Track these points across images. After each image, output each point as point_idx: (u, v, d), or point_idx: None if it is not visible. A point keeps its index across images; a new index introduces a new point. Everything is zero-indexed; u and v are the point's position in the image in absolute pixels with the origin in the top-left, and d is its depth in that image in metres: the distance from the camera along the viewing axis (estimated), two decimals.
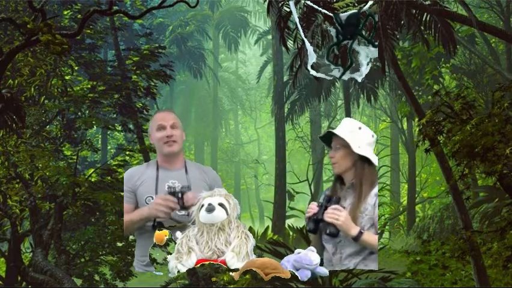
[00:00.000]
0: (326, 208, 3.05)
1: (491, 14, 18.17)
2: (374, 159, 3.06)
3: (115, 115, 12.46)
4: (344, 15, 3.49)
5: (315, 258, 2.97)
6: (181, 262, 2.98)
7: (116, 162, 11.71)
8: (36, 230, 9.20)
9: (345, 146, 3.06)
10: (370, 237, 3.02)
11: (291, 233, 20.18)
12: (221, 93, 39.83)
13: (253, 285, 8.31)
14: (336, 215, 3.00)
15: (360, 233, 3.00)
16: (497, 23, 17.07)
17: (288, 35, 8.59)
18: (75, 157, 10.82)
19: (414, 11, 8.06)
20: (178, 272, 3.00)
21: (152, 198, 3.21)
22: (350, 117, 19.79)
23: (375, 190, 3.08)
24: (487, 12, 18.32)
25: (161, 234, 3.13)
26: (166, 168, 3.30)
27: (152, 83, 11.65)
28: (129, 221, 3.25)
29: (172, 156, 3.30)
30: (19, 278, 9.81)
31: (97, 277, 11.09)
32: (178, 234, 3.09)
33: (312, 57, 3.51)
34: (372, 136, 3.10)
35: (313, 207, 3.08)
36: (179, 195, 3.14)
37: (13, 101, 6.78)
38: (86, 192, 9.70)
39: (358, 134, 3.07)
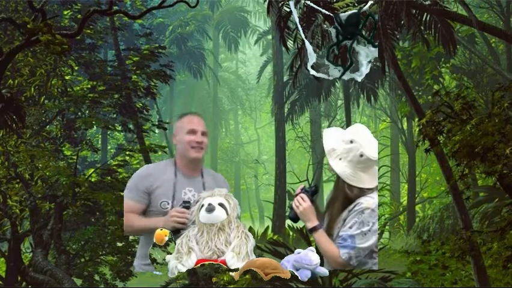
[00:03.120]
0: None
1: (491, 14, 18.17)
2: (345, 177, 2.91)
3: (115, 115, 12.46)
4: (344, 15, 3.49)
5: (315, 258, 2.97)
6: (181, 262, 2.98)
7: (116, 162, 11.69)
8: (36, 230, 9.21)
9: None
10: (322, 238, 2.96)
11: (291, 233, 20.17)
12: (221, 93, 39.85)
13: (253, 285, 8.30)
14: (298, 202, 3.03)
15: (314, 229, 2.97)
16: (497, 23, 17.06)
17: (288, 35, 8.58)
18: (75, 157, 10.80)
19: (414, 11, 8.05)
20: (178, 272, 2.99)
21: (168, 204, 3.19)
22: (350, 117, 19.85)
23: (352, 206, 2.93)
24: (487, 12, 18.32)
25: (162, 234, 3.12)
26: (185, 174, 3.28)
27: (152, 83, 11.64)
28: (139, 226, 3.18)
29: (194, 163, 3.29)
30: (19, 278, 9.80)
31: (97, 277, 11.07)
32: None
33: (312, 57, 3.50)
34: (361, 156, 2.90)
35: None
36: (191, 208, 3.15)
37: (13, 101, 6.78)
38: (86, 192, 9.69)
39: (344, 146, 2.95)
